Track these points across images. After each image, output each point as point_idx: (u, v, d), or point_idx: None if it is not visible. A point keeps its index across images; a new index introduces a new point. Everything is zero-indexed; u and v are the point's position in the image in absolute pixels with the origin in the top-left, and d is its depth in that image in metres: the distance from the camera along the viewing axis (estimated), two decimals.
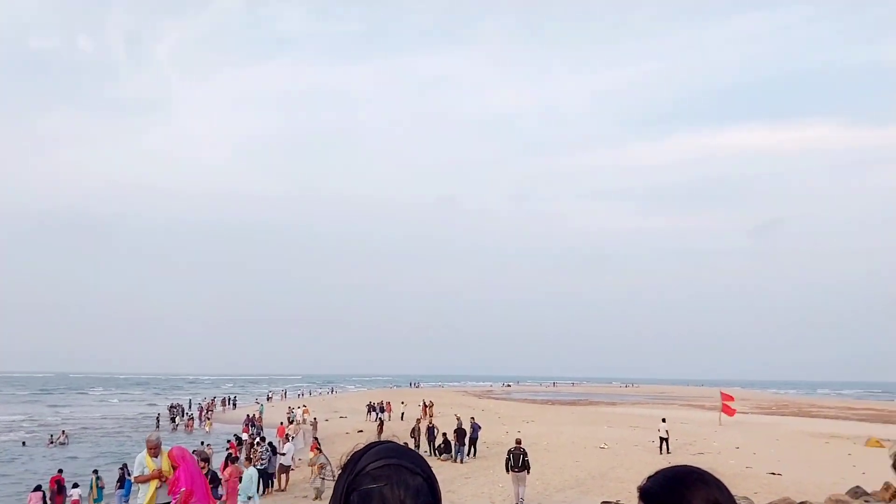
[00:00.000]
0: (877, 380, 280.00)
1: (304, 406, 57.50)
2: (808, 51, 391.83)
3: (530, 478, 19.88)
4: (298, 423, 44.27)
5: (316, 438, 27.97)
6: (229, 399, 76.04)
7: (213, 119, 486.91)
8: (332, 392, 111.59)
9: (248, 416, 46.73)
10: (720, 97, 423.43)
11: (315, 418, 42.48)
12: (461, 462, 27.29)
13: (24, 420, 57.57)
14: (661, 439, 29.59)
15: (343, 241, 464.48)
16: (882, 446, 32.40)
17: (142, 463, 9.11)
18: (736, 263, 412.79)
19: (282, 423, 39.46)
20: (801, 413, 65.00)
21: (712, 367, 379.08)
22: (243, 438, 31.08)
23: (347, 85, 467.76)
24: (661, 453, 28.65)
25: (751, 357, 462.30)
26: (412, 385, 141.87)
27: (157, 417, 55.36)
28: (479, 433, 29.16)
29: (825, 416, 59.84)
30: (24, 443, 40.69)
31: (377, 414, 48.19)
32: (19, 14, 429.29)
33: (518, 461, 19.09)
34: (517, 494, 18.88)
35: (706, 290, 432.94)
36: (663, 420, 31.57)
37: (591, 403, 78.27)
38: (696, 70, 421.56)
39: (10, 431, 48.33)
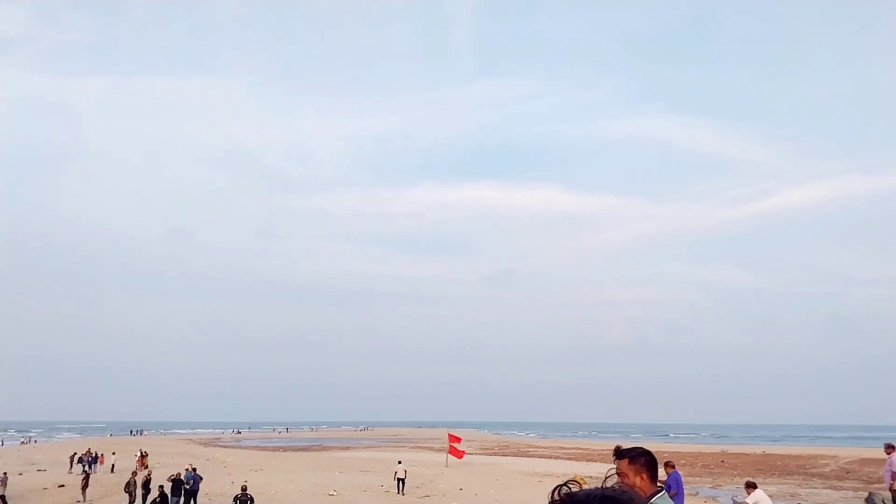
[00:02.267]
0: (594, 420, 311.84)
1: None
2: (536, 121, 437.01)
3: None
4: None
5: (3, 497, 24.27)
6: None
7: None
8: (30, 441, 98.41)
9: None
10: (459, 155, 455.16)
11: (5, 473, 36.82)
12: None
13: None
14: (399, 480, 30.69)
15: (56, 269, 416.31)
16: (585, 483, 35.83)
17: None
18: (471, 309, 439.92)
19: None
20: (519, 453, 70.05)
21: (448, 409, 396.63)
22: None
23: (73, 98, 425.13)
24: (398, 493, 29.67)
25: (485, 398, 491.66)
26: (133, 433, 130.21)
27: None
28: (199, 484, 27.23)
29: (539, 456, 65.07)
30: None
31: (84, 466, 43.09)
32: None
33: None
34: None
35: (445, 334, 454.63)
36: (399, 462, 33.03)
37: (324, 449, 77.48)
38: (440, 126, 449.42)
39: None
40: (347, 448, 78.39)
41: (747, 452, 70.35)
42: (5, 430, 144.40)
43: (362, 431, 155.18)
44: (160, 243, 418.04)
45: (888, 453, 17.79)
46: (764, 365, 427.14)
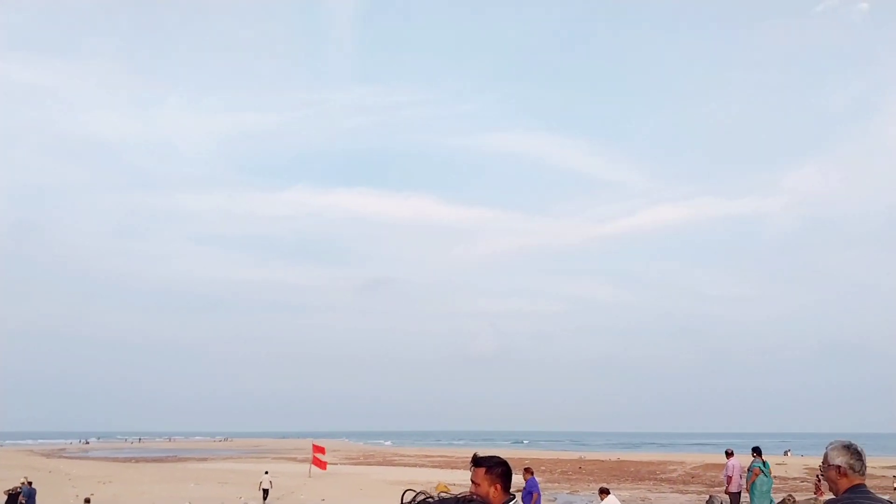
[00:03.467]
0: (462, 428, 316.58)
1: None
2: (412, 130, 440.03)
3: None
4: None
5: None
6: None
7: None
8: None
9: None
10: (333, 159, 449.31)
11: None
12: None
13: None
14: (264, 490, 30.31)
15: None
16: (449, 490, 36.24)
17: None
18: (343, 318, 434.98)
19: None
20: (385, 462, 69.84)
21: (315, 419, 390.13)
22: None
23: None
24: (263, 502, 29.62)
25: (352, 408, 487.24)
26: None
27: None
28: (35, 498, 25.23)
29: (405, 465, 65.14)
30: None
31: None
32: None
33: None
34: None
35: (314, 342, 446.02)
36: (266, 472, 32.74)
37: (180, 460, 73.99)
38: (311, 129, 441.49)
39: None
40: (205, 459, 75.26)
41: (603, 459, 73.62)
42: None
43: (222, 442, 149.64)
44: (2, 239, 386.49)
45: (728, 458, 19.18)
46: (623, 375, 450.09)
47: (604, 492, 17.42)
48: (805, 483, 38.05)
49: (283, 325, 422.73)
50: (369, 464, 66.75)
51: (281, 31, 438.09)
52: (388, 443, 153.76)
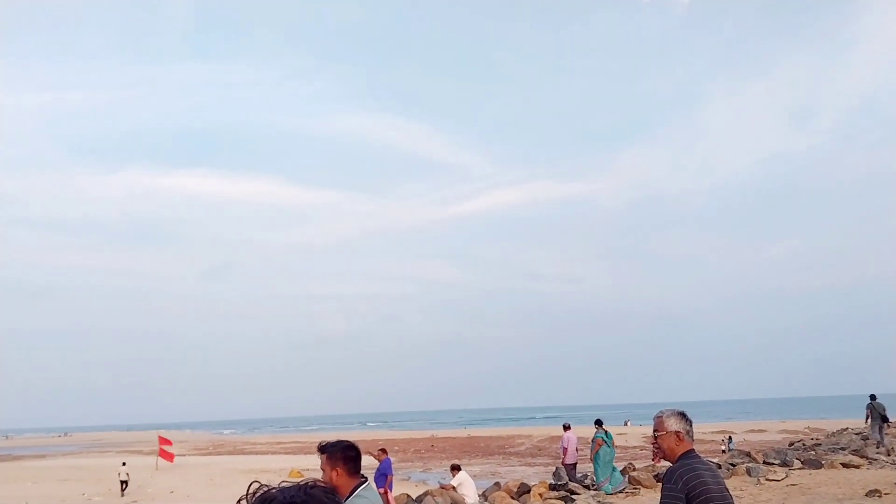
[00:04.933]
0: (314, 413, 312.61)
1: None
2: (254, 109, 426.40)
3: None
4: None
5: None
6: None
7: None
8: None
9: None
10: (171, 139, 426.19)
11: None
12: None
13: None
14: (122, 482, 30.71)
15: None
16: (301, 475, 36.46)
17: None
18: (189, 305, 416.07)
19: None
20: (235, 451, 68.56)
21: (160, 410, 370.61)
22: None
23: None
24: (121, 496, 29.77)
25: (196, 397, 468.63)
26: None
27: None
28: None
29: (257, 452, 64.35)
30: None
31: None
32: None
33: None
34: None
35: (155, 330, 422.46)
36: (124, 464, 33.15)
37: (14, 458, 68.86)
38: (149, 107, 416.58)
39: None
40: (43, 456, 70.55)
41: (454, 436, 76.22)
42: None
43: (61, 438, 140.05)
44: None
45: (565, 431, 20.79)
46: (471, 354, 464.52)
47: (455, 468, 18.33)
48: (644, 451, 41.49)
49: (122, 313, 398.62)
50: (219, 454, 65.31)
51: (109, 3, 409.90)
52: (230, 432, 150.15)
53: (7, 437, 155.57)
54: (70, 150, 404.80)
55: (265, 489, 1.68)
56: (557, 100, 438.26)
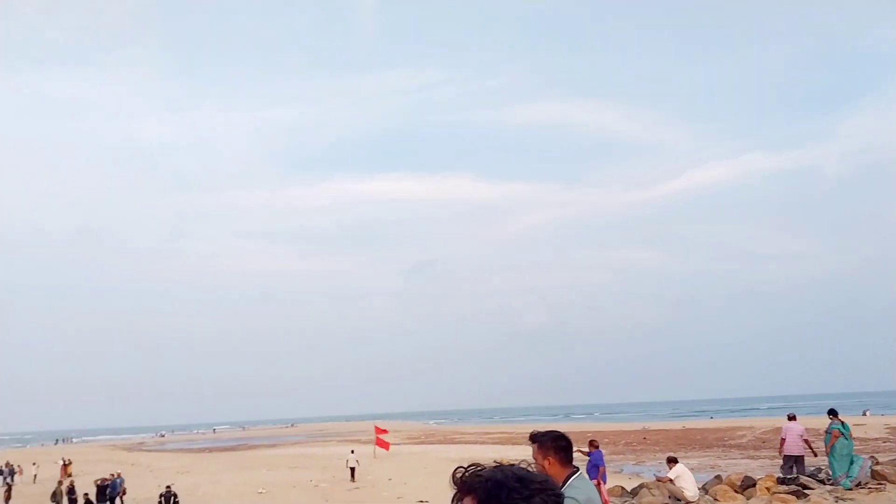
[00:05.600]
0: (519, 405, 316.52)
1: None
2: (443, 110, 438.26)
3: None
4: None
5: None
6: None
7: None
8: None
9: None
10: (369, 146, 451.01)
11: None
12: None
13: None
14: (351, 469, 32.51)
15: None
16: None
17: None
18: (389, 302, 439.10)
19: None
20: (445, 440, 70.67)
21: (373, 401, 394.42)
22: None
23: None
24: (352, 480, 31.50)
25: (405, 389, 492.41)
26: (59, 441, 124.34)
27: None
28: (118, 490, 26.50)
29: (466, 442, 65.85)
30: None
31: (4, 478, 41.04)
32: None
33: (168, 501, 22.04)
34: None
35: (365, 328, 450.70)
36: (352, 451, 35.50)
37: (251, 447, 76.19)
38: (347, 118, 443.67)
39: None
40: (275, 445, 77.38)
41: (668, 428, 73.02)
42: None
43: (289, 428, 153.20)
44: (66, 248, 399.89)
45: (789, 422, 18.81)
46: (679, 342, 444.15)
47: (672, 460, 17.28)
48: (888, 443, 37.07)
49: (333, 313, 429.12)
50: (430, 443, 67.63)
51: (304, 24, 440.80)
52: (434, 422, 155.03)
53: (244, 428, 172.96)
54: (282, 164, 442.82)
55: (474, 467, 1.80)
56: (765, 65, 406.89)
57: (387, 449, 44.12)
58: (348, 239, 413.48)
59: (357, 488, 29.41)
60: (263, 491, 29.08)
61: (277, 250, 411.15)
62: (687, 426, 76.01)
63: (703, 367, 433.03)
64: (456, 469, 1.81)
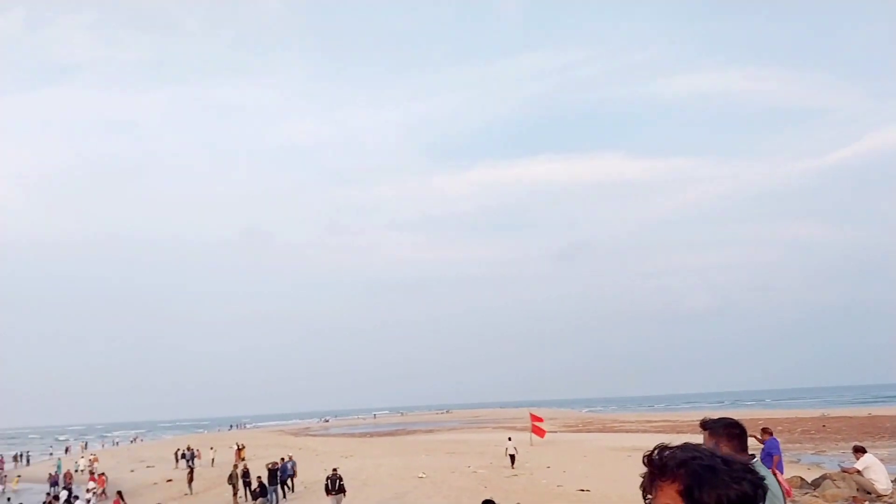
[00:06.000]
0: (681, 391, 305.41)
1: (93, 455, 52.90)
2: (587, 89, 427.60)
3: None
4: (81, 473, 41.07)
5: (119, 493, 25.49)
6: (20, 455, 68.26)
7: None
8: (136, 440, 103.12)
9: (50, 474, 41.84)
10: (513, 130, 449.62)
11: (101, 473, 38.51)
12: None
13: None
14: (511, 456, 32.26)
15: (138, 275, 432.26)
16: None
17: None
18: (541, 287, 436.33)
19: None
20: (604, 429, 69.12)
21: (526, 389, 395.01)
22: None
23: (138, 114, 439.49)
24: (512, 467, 31.12)
25: (559, 376, 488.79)
26: (233, 427, 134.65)
27: None
28: (288, 473, 27.88)
29: (626, 431, 64.03)
30: None
31: (187, 461, 44.76)
32: None
33: (335, 484, 22.29)
34: None
35: (517, 313, 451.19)
36: (509, 438, 35.03)
37: (409, 433, 78.38)
38: (489, 104, 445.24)
39: None
40: (431, 431, 79.12)
41: (850, 415, 67.40)
42: (114, 431, 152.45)
43: (444, 414, 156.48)
44: (235, 245, 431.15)
45: None
46: (859, 322, 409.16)
47: (859, 450, 15.83)
48: None
49: (482, 300, 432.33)
50: (588, 431, 66.40)
51: (445, 15, 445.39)
52: (587, 410, 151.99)
53: (402, 413, 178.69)
54: (429, 155, 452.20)
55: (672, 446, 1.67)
56: None
57: (542, 436, 43.71)
58: (495, 225, 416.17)
59: (515, 475, 29.20)
60: (424, 475, 29.56)
61: (426, 239, 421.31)
62: (873, 413, 69.76)
63: (890, 348, 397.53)
64: (654, 450, 1.67)
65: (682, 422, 71.17)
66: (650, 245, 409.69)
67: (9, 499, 30.34)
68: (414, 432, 78.46)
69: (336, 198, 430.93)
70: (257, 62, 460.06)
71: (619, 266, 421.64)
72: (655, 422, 77.52)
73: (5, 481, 46.23)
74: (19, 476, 47.21)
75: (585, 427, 73.58)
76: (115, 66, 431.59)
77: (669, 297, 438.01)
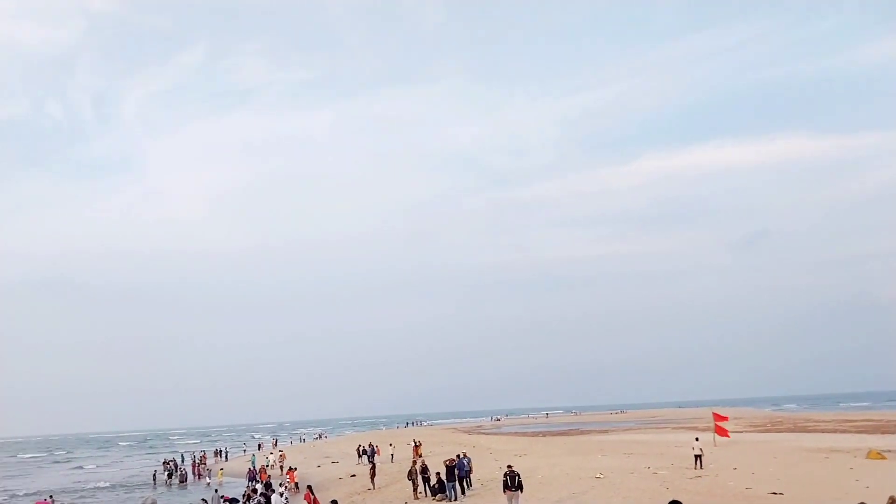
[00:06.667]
0: (880, 388, 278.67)
1: (281, 452, 56.59)
2: (763, 65, 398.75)
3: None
4: (270, 468, 43.91)
5: (309, 487, 27.01)
6: (220, 451, 74.91)
7: (182, 174, 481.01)
8: (320, 437, 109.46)
9: (249, 469, 45.60)
10: (682, 116, 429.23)
11: (291, 468, 41.13)
12: (455, 500, 26.38)
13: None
14: (696, 456, 31.26)
15: (321, 285, 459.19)
16: (884, 458, 31.78)
17: None
18: (716, 280, 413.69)
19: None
20: (796, 428, 64.39)
21: (699, 387, 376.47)
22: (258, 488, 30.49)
23: (307, 130, 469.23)
24: (696, 468, 30.23)
25: (739, 373, 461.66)
26: (409, 424, 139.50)
27: (154, 475, 53.64)
28: (465, 469, 28.29)
29: (822, 430, 59.27)
30: None
31: (369, 457, 46.82)
32: None
33: (513, 481, 21.91)
34: None
35: (689, 310, 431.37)
36: (697, 438, 33.93)
37: (582, 433, 77.24)
38: (655, 91, 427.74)
39: None
40: (606, 431, 77.46)
41: None
42: (302, 429, 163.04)
43: (618, 414, 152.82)
44: (403, 248, 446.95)
45: None
46: None
47: None
48: None
49: (653, 295, 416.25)
50: (778, 430, 62.11)
51: (603, 5, 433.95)
52: (772, 408, 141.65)
53: (575, 413, 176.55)
54: (590, 148, 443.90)
55: None
56: None
57: (726, 436, 41.54)
58: (665, 216, 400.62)
59: (699, 476, 27.86)
60: (602, 476, 28.94)
61: (591, 235, 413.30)
62: None
63: None
64: None
65: (889, 421, 64.85)
66: (842, 230, 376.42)
67: (216, 490, 33.24)
68: (588, 432, 77.24)
69: (497, 198, 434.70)
70: (416, 71, 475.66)
71: (804, 254, 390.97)
72: (856, 421, 71.12)
73: (211, 475, 50.85)
74: (222, 469, 51.59)
75: (774, 427, 68.90)
76: (285, 87, 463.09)
77: (864, 285, 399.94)
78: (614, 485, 26.57)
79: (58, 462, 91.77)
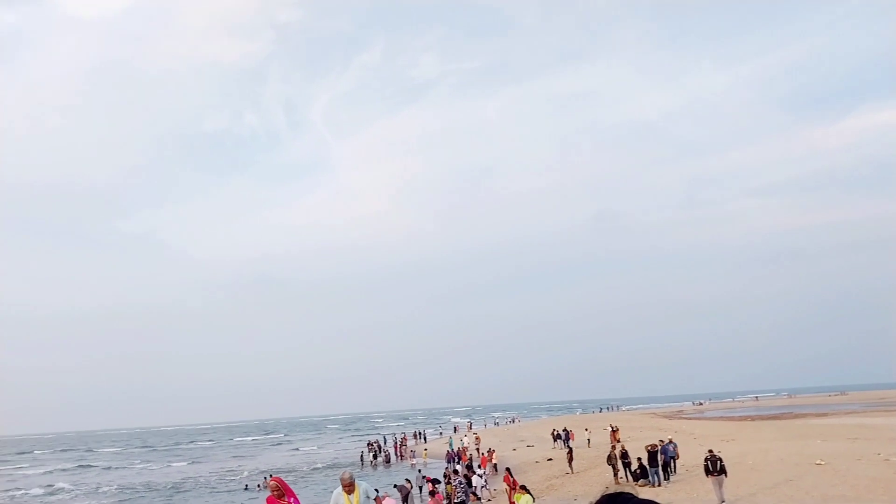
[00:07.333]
0: None
1: (477, 435, 57.57)
2: None
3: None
4: (465, 449, 44.69)
5: (508, 469, 27.29)
6: (419, 433, 78.12)
7: (366, 171, 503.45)
8: (513, 421, 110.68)
9: (447, 451, 47.11)
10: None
11: (489, 450, 41.66)
12: (659, 486, 25.41)
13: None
14: None
15: (504, 271, 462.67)
16: None
17: (337, 500, 9.38)
18: None
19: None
20: None
21: None
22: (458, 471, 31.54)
23: (484, 118, 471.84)
24: None
25: None
26: (603, 409, 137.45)
27: (361, 455, 57.08)
28: (671, 454, 27.14)
29: None
30: (246, 486, 43.30)
31: (564, 442, 46.54)
32: (192, 101, 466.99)
33: (715, 465, 21.17)
34: (719, 497, 20.91)
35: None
36: None
37: (796, 416, 71.59)
38: (865, 38, 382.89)
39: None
40: (825, 415, 71.20)
41: None
42: (495, 412, 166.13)
43: (839, 396, 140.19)
44: (587, 228, 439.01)
45: None
46: None
47: None
48: None
49: (869, 270, 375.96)
50: None
51: None
52: None
53: (790, 395, 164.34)
54: (791, 108, 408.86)
55: None
56: None
57: None
58: (887, 178, 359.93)
59: None
60: (822, 462, 26.50)
61: (795, 202, 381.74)
62: None
63: None
64: None
65: None
66: None
67: (419, 470, 34.59)
68: (804, 416, 71.45)
69: (689, 169, 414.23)
70: (594, 45, 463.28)
71: None
72: None
73: (414, 455, 52.99)
74: (426, 450, 53.62)
75: None
76: (460, 77, 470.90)
77: None
78: (838, 472, 24.20)
79: (278, 444, 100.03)
